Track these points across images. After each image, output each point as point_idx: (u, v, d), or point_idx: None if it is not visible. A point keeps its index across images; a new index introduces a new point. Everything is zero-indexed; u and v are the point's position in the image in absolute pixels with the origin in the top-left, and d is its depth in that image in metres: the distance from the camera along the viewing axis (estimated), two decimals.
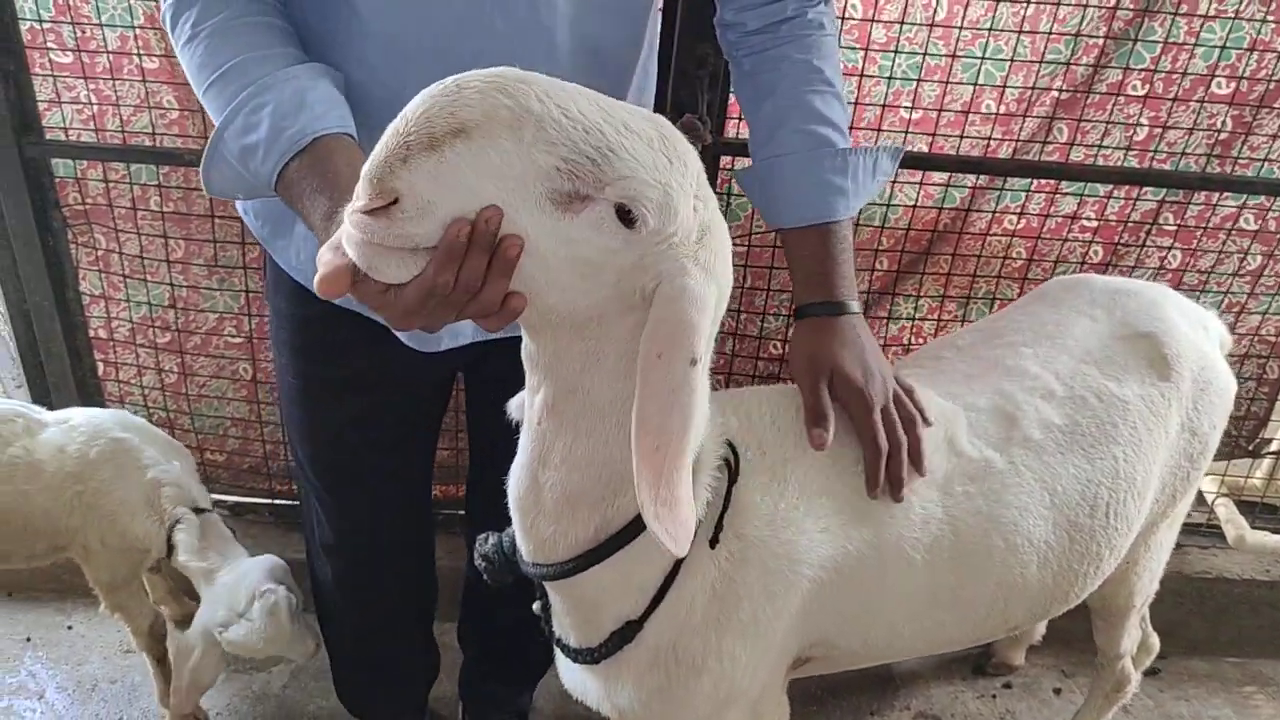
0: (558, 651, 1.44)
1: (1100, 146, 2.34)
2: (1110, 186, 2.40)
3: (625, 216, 0.92)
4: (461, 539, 2.20)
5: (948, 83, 2.25)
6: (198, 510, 2.13)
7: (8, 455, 2.05)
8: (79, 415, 2.16)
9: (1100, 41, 2.23)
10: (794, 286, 1.49)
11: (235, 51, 1.22)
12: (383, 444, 1.75)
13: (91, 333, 2.59)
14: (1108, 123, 2.31)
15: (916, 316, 2.59)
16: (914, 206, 2.41)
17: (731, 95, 2.17)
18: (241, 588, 2.04)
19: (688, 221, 0.97)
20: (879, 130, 2.29)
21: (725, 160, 2.27)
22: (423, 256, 0.92)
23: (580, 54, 1.37)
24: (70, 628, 2.64)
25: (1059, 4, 2.16)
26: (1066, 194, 2.42)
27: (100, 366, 2.63)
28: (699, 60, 2.06)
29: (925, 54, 2.21)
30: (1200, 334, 1.72)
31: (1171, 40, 2.21)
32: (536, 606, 1.43)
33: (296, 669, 2.55)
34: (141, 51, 2.23)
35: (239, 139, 1.19)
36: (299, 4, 1.34)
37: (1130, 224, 2.45)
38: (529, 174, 0.89)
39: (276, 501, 2.78)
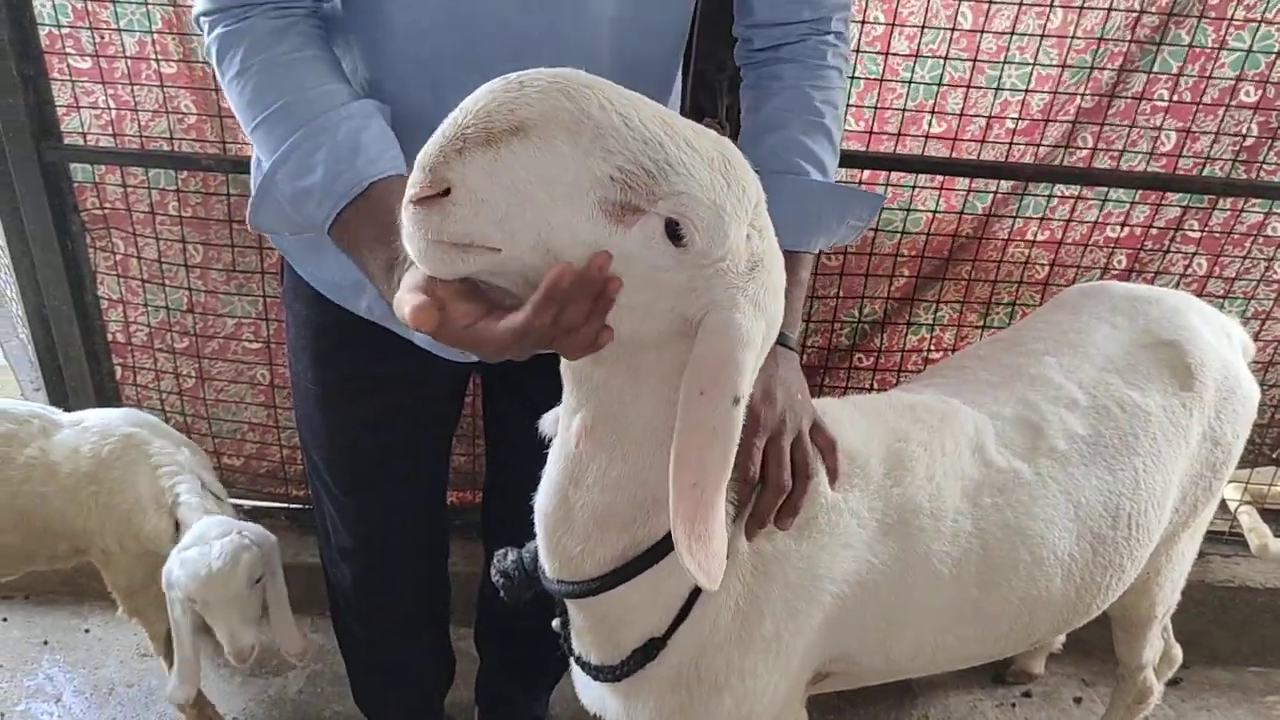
0: (576, 669, 1.43)
1: (1126, 152, 2.32)
2: (1135, 196, 2.37)
3: (674, 233, 0.91)
4: (479, 545, 2.19)
5: (969, 87, 2.23)
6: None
7: (24, 456, 2.05)
8: (93, 416, 2.17)
9: (1125, 48, 2.21)
10: None
11: (287, 90, 1.21)
12: (398, 448, 1.74)
13: (109, 337, 2.59)
14: (1132, 126, 2.28)
15: (937, 325, 2.57)
16: (934, 213, 2.40)
17: None
18: (220, 525, 1.98)
19: (739, 248, 0.95)
20: (900, 135, 2.27)
21: None
22: (475, 254, 0.90)
23: (619, 70, 1.36)
24: (88, 631, 2.64)
25: (1082, 8, 2.14)
26: (1089, 201, 2.39)
27: (118, 370, 2.64)
28: (718, 64, 2.05)
29: (946, 58, 2.19)
30: (1223, 341, 1.70)
31: (1197, 46, 2.19)
32: (556, 624, 1.41)
33: (313, 673, 2.56)
34: (160, 57, 2.23)
35: (292, 182, 1.18)
36: (337, 22, 1.33)
37: (1155, 229, 2.42)
38: (583, 179, 0.88)
39: (293, 506, 2.78)
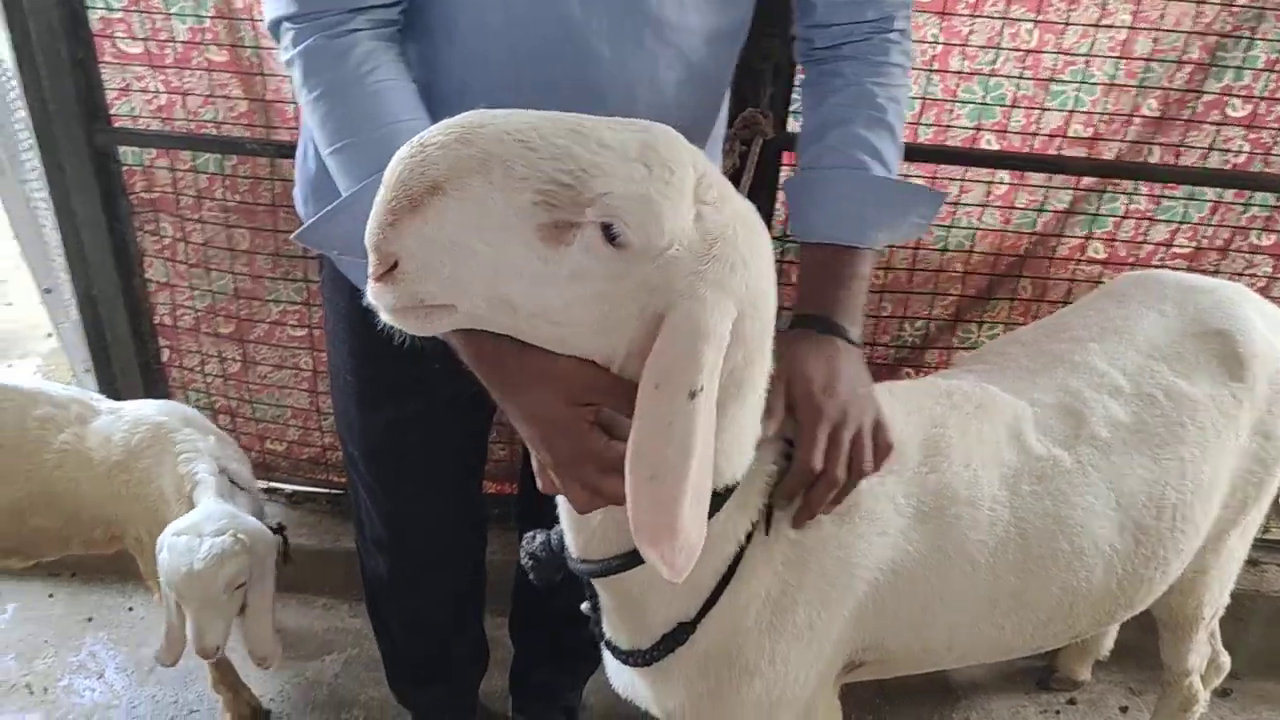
0: (607, 653, 1.42)
1: (1211, 148, 2.26)
2: (1207, 206, 2.32)
3: (611, 236, 0.91)
4: (514, 534, 2.18)
5: (1042, 109, 2.20)
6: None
7: (59, 441, 2.07)
8: (130, 405, 2.18)
9: (1196, 56, 2.16)
10: (797, 301, 1.40)
11: (365, 125, 1.21)
12: (434, 445, 1.74)
13: (156, 320, 2.62)
14: (1210, 123, 2.23)
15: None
16: (974, 229, 2.36)
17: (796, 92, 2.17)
18: (227, 517, 1.93)
19: (684, 233, 0.94)
20: (971, 149, 2.25)
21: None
22: (437, 314, 0.96)
23: (686, 84, 1.37)
24: (131, 609, 2.68)
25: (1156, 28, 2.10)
26: (1154, 213, 2.35)
27: (165, 354, 2.67)
28: (763, 53, 2.03)
29: (1018, 77, 2.16)
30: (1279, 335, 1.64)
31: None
32: (586, 607, 1.40)
33: (350, 658, 2.57)
34: (210, 43, 2.25)
35: (356, 224, 1.17)
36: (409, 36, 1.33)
37: (1223, 226, 2.36)
38: (508, 214, 0.90)
39: (334, 491, 2.80)
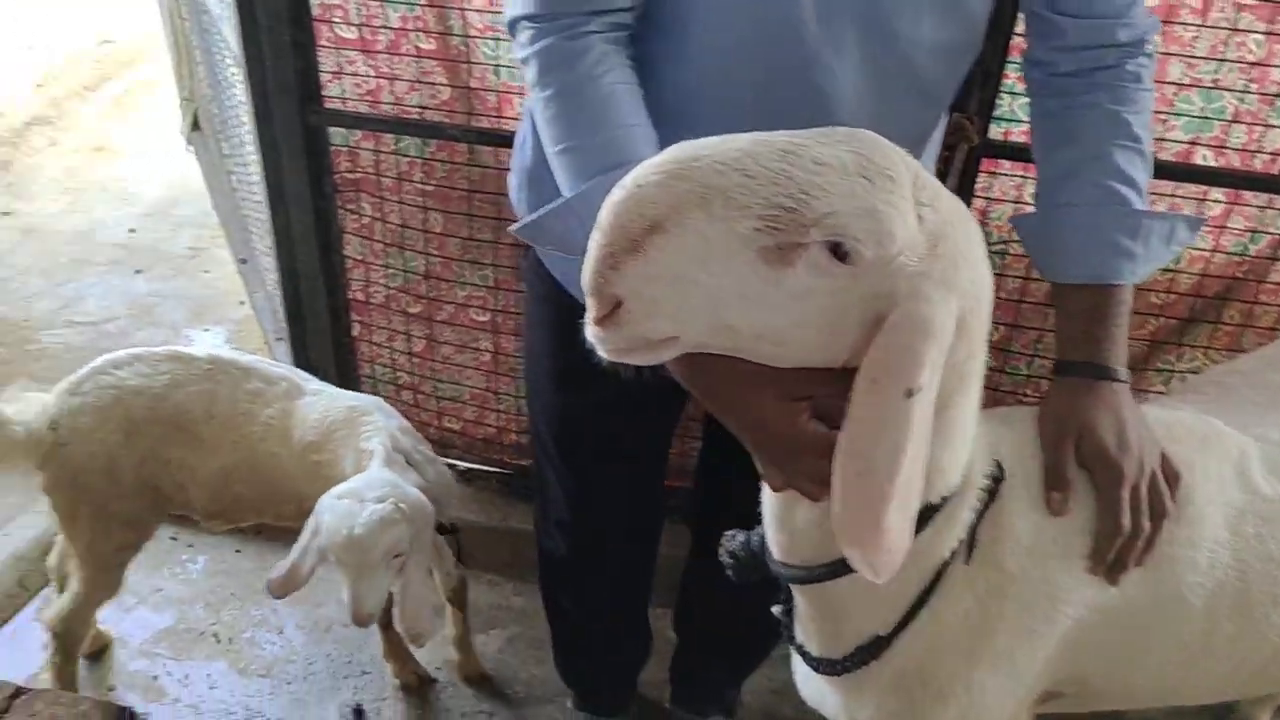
0: (797, 659, 1.41)
1: None
2: None
3: (839, 253, 0.91)
4: (681, 527, 2.20)
5: (1266, 126, 2.08)
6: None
7: (265, 415, 2.14)
8: (333, 390, 2.23)
9: None
10: (1058, 344, 1.38)
11: (592, 125, 1.24)
12: (624, 431, 1.76)
13: (350, 295, 2.73)
14: None
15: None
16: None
17: (999, 98, 2.10)
18: (389, 485, 1.92)
19: (910, 238, 0.94)
20: (1185, 164, 2.14)
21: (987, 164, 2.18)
22: (661, 347, 0.98)
23: (913, 97, 1.36)
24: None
25: None
26: None
27: (355, 328, 2.77)
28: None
29: (1242, 90, 2.04)
30: None
31: None
32: (777, 610, 1.40)
33: (513, 635, 2.64)
34: (419, 30, 2.32)
35: (582, 227, 1.18)
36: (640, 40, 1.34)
37: None
38: (731, 243, 0.91)
39: (504, 472, 2.86)
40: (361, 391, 2.76)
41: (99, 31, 5.67)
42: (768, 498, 1.23)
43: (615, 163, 1.17)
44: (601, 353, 1.00)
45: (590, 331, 0.98)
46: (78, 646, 2.32)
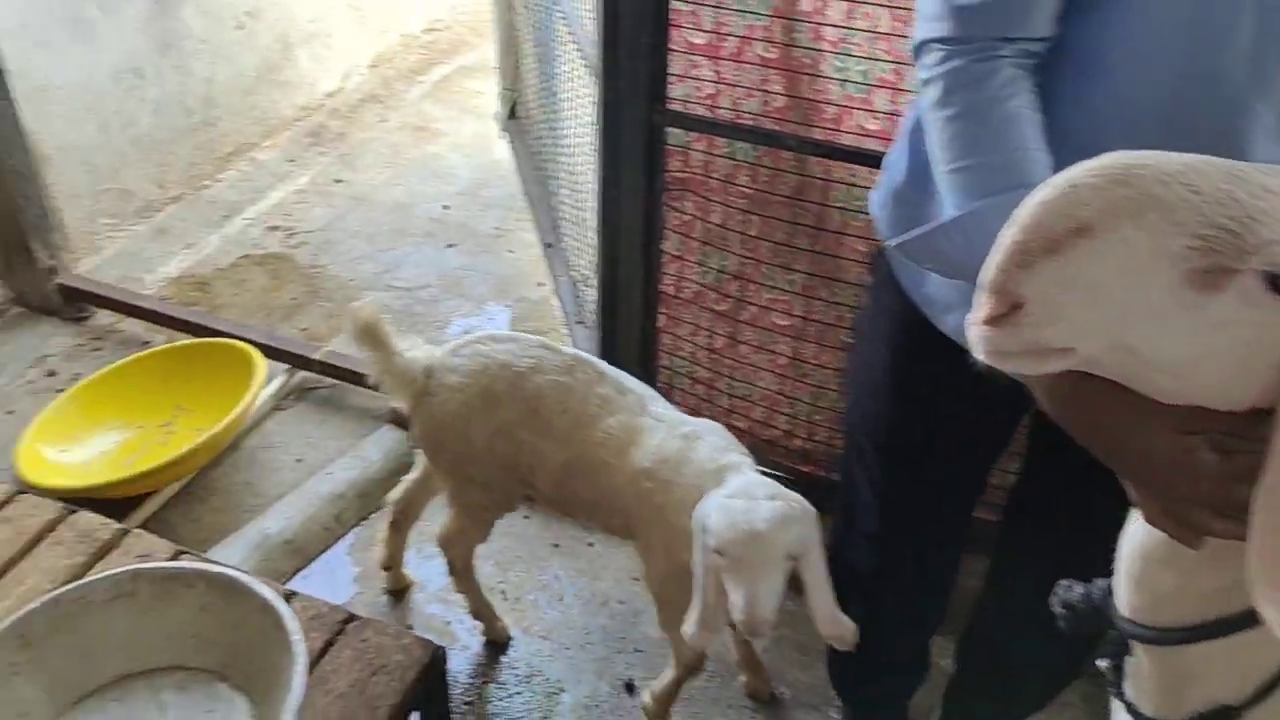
0: (1119, 712, 1.37)
1: None
2: None
3: (1276, 284, 0.86)
4: (982, 559, 2.17)
5: None
6: None
7: (607, 423, 2.17)
8: (675, 415, 2.22)
9: None
10: None
11: (993, 145, 1.25)
12: (958, 447, 1.77)
13: (661, 288, 2.84)
14: None
15: None
16: None
17: None
18: (768, 486, 1.91)
19: None
20: None
21: None
22: (1056, 356, 0.94)
23: None
24: (591, 545, 2.93)
25: None
26: None
27: (661, 319, 2.89)
28: None
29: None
30: None
31: None
32: (1104, 665, 1.36)
33: (779, 637, 2.66)
34: (763, 39, 2.40)
35: (968, 246, 1.18)
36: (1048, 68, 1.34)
37: None
38: (1159, 260, 0.87)
39: (785, 477, 2.89)
40: (657, 380, 2.89)
41: (429, 19, 6.11)
42: (1130, 555, 1.19)
43: (1014, 184, 1.18)
44: (979, 354, 0.97)
45: (976, 331, 0.95)
46: (459, 570, 2.51)
